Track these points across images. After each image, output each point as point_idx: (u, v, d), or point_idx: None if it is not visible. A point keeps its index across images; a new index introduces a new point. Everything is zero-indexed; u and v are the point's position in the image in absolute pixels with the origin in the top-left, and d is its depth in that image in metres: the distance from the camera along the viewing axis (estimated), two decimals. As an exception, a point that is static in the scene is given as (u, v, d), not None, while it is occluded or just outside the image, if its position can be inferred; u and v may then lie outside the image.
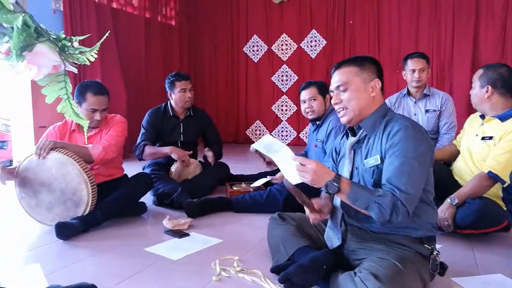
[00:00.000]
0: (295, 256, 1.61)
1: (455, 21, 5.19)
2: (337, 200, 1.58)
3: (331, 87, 1.59)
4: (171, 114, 3.14)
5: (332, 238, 1.58)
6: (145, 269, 1.73)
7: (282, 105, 6.35)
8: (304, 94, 2.79)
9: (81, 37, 0.93)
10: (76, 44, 0.89)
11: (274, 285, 1.54)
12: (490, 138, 2.09)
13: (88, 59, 0.91)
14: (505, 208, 2.10)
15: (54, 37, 0.87)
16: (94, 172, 2.38)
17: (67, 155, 2.15)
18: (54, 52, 0.84)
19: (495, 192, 2.11)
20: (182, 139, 3.13)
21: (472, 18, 5.09)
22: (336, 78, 1.55)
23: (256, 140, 7.24)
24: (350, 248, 1.55)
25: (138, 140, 3.05)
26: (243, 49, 6.44)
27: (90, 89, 2.35)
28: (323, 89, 2.77)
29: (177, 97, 3.11)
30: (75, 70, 0.91)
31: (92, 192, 2.17)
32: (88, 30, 4.45)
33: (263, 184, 2.91)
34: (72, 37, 0.89)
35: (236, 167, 3.66)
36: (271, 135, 6.52)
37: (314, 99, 2.75)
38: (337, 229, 1.57)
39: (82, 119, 0.93)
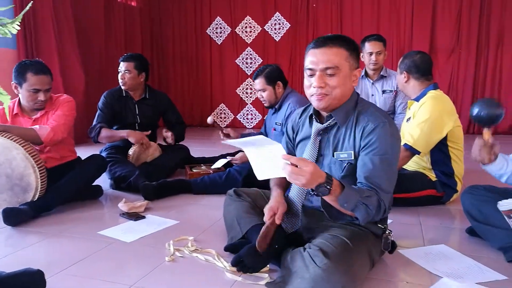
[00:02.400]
0: (249, 233, 1.61)
1: (414, 7, 5.37)
2: (293, 191, 1.56)
3: (313, 65, 1.39)
4: (124, 95, 3.05)
5: (292, 224, 1.56)
6: (96, 252, 1.70)
7: (246, 88, 6.32)
8: (255, 85, 2.78)
9: (2, 8, 0.87)
10: (-4, 15, 0.84)
11: (227, 263, 1.54)
12: (409, 119, 2.27)
13: (10, 32, 0.85)
14: (434, 179, 2.28)
15: (-28, 6, 0.81)
16: (45, 156, 2.30)
17: (11, 139, 2.04)
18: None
19: (424, 166, 2.32)
20: (139, 121, 3.05)
21: (430, 5, 5.27)
22: (325, 58, 1.37)
23: (221, 123, 7.06)
24: (304, 225, 1.56)
25: (94, 122, 2.94)
26: (206, 31, 6.33)
27: (30, 68, 2.22)
28: (272, 78, 2.71)
29: None
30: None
31: (41, 176, 2.09)
32: (42, 11, 4.22)
33: (223, 165, 2.90)
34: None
35: (199, 150, 3.63)
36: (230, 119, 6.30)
37: (263, 91, 2.73)
38: (297, 216, 1.55)
39: (2, 94, 0.87)
